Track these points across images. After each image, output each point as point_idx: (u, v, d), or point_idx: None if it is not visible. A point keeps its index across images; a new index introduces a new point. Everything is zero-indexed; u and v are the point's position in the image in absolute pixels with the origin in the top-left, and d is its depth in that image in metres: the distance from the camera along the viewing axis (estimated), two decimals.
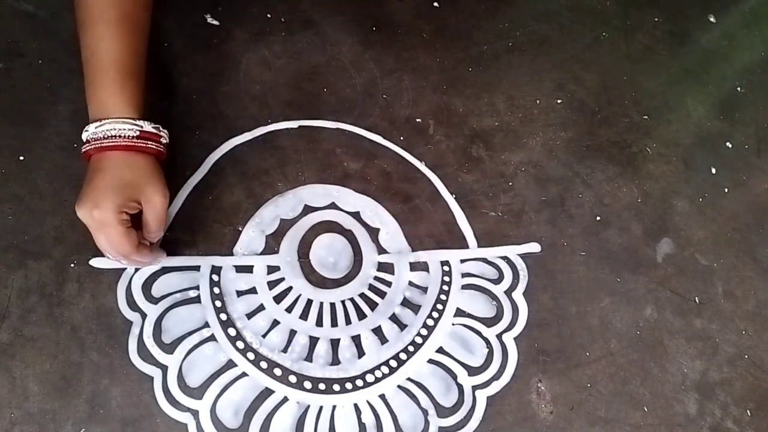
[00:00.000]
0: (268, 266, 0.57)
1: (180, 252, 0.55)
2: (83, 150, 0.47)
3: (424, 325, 0.57)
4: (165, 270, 0.54)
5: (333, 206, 0.62)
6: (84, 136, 0.47)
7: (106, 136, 0.46)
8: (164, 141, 0.51)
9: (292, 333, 0.54)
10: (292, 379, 0.52)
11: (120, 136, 0.46)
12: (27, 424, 0.46)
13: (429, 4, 0.80)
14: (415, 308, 0.58)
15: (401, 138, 0.67)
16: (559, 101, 0.76)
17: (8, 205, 0.53)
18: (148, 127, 0.48)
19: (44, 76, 0.60)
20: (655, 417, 0.57)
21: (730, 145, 0.78)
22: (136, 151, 0.47)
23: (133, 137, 0.46)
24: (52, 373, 0.48)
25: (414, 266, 0.60)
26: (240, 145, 0.62)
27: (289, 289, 0.56)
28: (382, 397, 0.53)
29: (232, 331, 0.53)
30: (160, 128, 0.50)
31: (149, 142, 0.48)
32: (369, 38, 0.74)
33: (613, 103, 0.78)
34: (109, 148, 0.46)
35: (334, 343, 0.55)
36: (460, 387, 0.55)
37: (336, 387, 0.53)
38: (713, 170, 0.75)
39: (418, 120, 0.69)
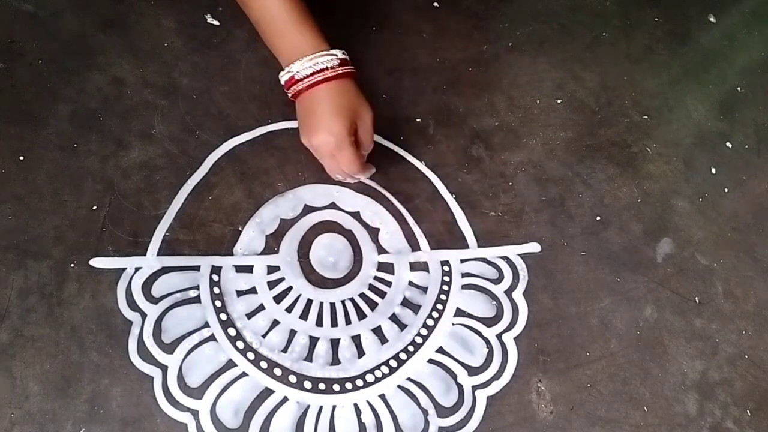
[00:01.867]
0: (268, 266, 0.57)
1: (180, 252, 0.55)
2: (295, 90, 0.53)
3: (424, 325, 0.57)
4: (165, 270, 0.54)
5: (333, 206, 0.62)
6: (287, 77, 0.53)
7: (313, 72, 0.51)
8: (351, 64, 0.54)
9: (292, 333, 0.54)
10: (292, 379, 0.52)
11: (326, 68, 0.51)
12: (27, 424, 0.46)
13: (429, 4, 0.80)
14: (415, 308, 0.58)
15: (401, 138, 0.67)
16: (559, 101, 0.76)
17: (8, 205, 0.53)
18: (340, 54, 0.53)
19: (44, 76, 0.61)
20: (655, 417, 0.57)
21: (730, 145, 0.78)
22: (341, 77, 0.52)
23: (336, 66, 0.51)
24: (52, 373, 0.48)
25: (414, 266, 0.60)
26: (240, 145, 0.62)
27: (289, 289, 0.56)
28: (382, 397, 0.53)
29: (232, 331, 0.53)
30: (344, 52, 0.54)
31: (347, 67, 0.53)
32: (369, 38, 0.74)
33: (613, 103, 0.78)
34: (320, 82, 0.51)
35: (334, 343, 0.55)
36: (460, 387, 0.55)
37: (336, 387, 0.53)
38: (713, 170, 0.75)
39: (418, 120, 0.69)
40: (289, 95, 0.54)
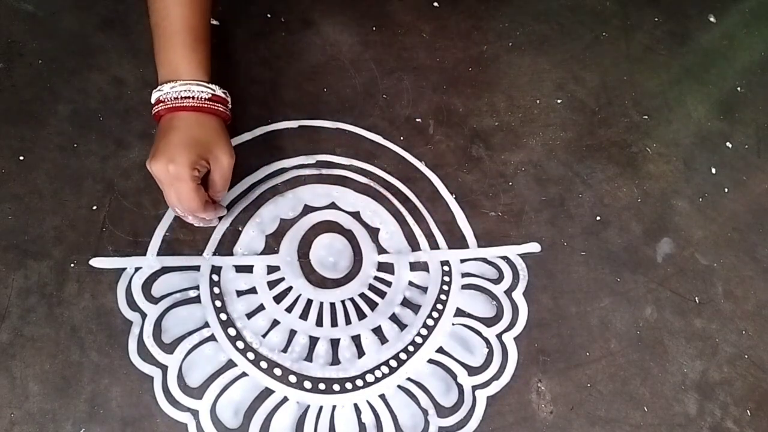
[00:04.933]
0: (268, 266, 0.57)
1: (180, 252, 0.55)
2: (155, 111, 0.50)
3: (424, 325, 0.57)
4: (165, 270, 0.54)
5: (333, 206, 0.62)
6: (155, 96, 0.50)
7: (179, 97, 0.48)
8: (229, 106, 0.53)
9: (292, 333, 0.54)
10: (292, 379, 0.52)
11: (193, 98, 0.49)
12: (27, 424, 0.46)
13: (429, 4, 0.80)
14: (415, 308, 0.58)
15: (401, 138, 0.67)
16: (559, 101, 0.76)
17: (8, 205, 0.53)
18: (218, 91, 0.51)
19: (44, 76, 0.61)
20: (655, 417, 0.57)
21: (730, 145, 0.78)
22: (207, 112, 0.49)
23: (205, 99, 0.49)
24: (52, 373, 0.48)
25: (414, 266, 0.60)
26: (240, 145, 0.62)
27: (289, 289, 0.56)
28: (382, 397, 0.53)
29: (232, 331, 0.53)
30: (227, 93, 0.53)
31: (219, 105, 0.50)
32: (369, 38, 0.74)
33: (613, 103, 0.78)
34: (182, 108, 0.48)
35: (334, 343, 0.55)
36: (460, 387, 0.55)
37: (336, 387, 0.53)
38: (713, 170, 0.75)
39: (418, 120, 0.69)
40: (153, 113, 0.51)
